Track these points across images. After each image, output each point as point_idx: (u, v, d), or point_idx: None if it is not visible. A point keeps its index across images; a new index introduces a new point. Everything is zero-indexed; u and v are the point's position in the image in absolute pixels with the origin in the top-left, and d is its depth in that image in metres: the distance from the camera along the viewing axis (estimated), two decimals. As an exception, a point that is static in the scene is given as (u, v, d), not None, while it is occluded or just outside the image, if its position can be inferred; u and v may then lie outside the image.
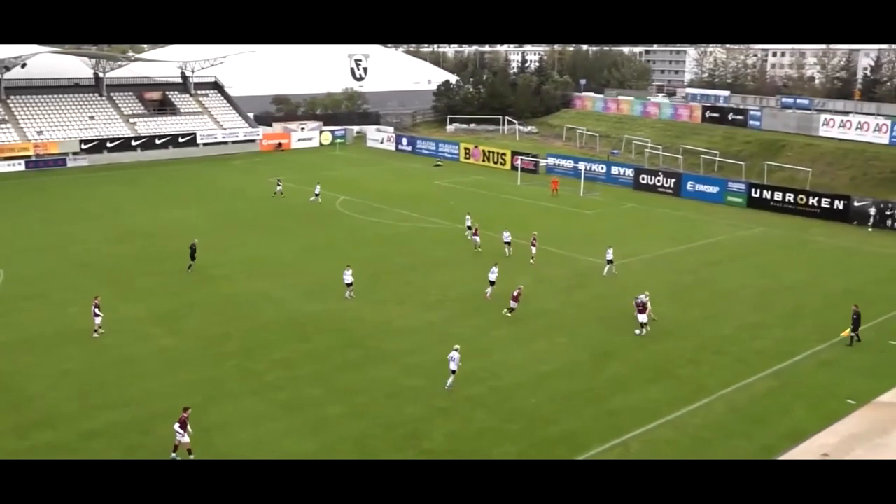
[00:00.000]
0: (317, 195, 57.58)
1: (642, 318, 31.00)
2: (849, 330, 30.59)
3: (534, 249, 41.78)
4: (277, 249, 41.86)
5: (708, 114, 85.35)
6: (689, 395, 26.04)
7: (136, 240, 46.35)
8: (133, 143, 79.78)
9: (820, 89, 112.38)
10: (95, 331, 30.62)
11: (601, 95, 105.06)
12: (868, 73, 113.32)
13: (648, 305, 31.41)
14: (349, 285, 35.29)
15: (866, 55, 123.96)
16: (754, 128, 79.72)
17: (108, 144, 78.14)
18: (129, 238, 46.76)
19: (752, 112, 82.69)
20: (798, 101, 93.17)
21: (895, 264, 42.59)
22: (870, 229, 50.61)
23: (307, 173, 68.83)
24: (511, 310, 32.85)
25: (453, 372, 26.10)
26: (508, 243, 42.91)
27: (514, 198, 60.46)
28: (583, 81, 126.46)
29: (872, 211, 51.60)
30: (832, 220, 52.82)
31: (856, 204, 52.90)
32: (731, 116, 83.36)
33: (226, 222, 51.39)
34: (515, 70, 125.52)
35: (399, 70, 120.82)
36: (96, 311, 30.57)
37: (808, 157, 68.00)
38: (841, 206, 53.34)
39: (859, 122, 71.81)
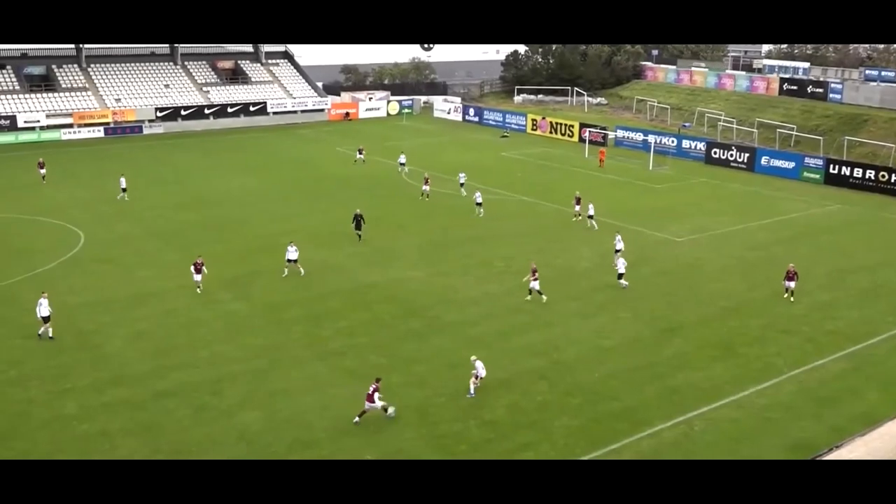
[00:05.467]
0: (402, 164, 57.89)
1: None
2: None
3: (578, 208, 43.98)
4: (341, 219, 42.30)
5: (786, 86, 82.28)
6: (756, 374, 25.49)
7: (206, 207, 47.53)
8: (206, 111, 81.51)
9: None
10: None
11: (673, 66, 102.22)
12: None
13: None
14: (293, 261, 34.19)
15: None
16: (835, 101, 76.53)
17: (182, 112, 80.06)
18: (199, 205, 47.97)
19: (832, 85, 79.32)
20: (883, 73, 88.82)
21: (982, 246, 40.61)
22: (956, 209, 48.32)
23: (374, 143, 69.19)
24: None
25: None
26: (480, 203, 45.02)
27: (581, 170, 59.66)
28: (655, 52, 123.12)
29: (959, 190, 49.19)
30: (915, 198, 50.57)
31: (941, 182, 50.51)
32: (810, 89, 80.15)
33: (292, 191, 52.18)
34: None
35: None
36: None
37: (892, 133, 65.07)
38: (925, 184, 50.99)
39: (949, 96, 68.22)
